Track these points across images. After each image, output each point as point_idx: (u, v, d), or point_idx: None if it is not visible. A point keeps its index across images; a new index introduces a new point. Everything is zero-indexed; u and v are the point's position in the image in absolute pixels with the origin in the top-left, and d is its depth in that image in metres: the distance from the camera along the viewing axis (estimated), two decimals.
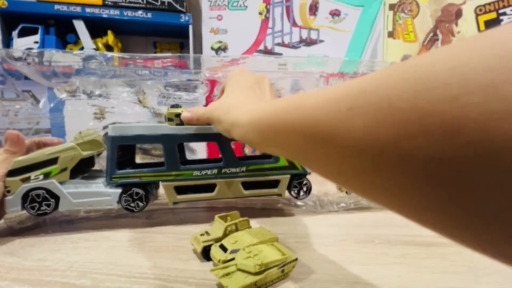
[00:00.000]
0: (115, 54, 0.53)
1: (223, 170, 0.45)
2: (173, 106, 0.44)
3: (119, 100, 0.58)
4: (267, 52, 0.98)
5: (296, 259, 0.30)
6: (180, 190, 0.44)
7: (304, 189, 0.49)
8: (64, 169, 0.40)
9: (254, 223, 0.38)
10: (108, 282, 0.30)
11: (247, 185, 0.46)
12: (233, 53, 0.97)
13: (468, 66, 0.10)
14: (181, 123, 0.43)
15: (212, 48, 0.99)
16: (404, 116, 0.11)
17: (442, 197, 0.11)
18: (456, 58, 0.10)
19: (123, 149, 0.45)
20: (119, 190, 0.42)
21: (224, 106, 0.34)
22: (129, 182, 0.42)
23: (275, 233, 0.35)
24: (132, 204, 0.42)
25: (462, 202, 0.10)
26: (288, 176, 0.47)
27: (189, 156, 0.63)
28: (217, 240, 0.34)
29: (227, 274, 0.27)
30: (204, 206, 0.52)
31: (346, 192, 0.52)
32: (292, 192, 0.49)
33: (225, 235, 0.35)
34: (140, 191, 0.42)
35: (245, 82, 0.36)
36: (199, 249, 0.34)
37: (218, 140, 0.44)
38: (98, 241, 0.39)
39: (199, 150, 0.67)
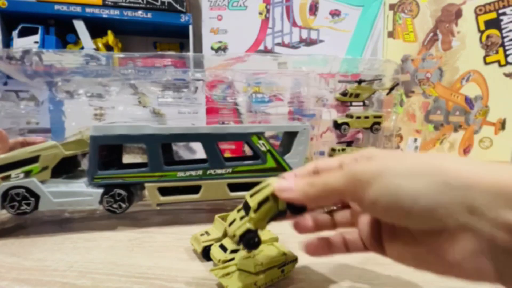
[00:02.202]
0: (114, 53, 0.53)
1: (208, 171, 0.44)
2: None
3: (119, 100, 0.58)
4: (267, 52, 0.98)
5: (296, 259, 0.30)
6: (164, 191, 0.43)
7: None
8: (45, 168, 0.39)
9: None
10: (108, 282, 0.30)
11: (233, 187, 0.45)
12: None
13: None
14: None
15: (212, 48, 0.99)
16: None
17: None
18: None
19: (108, 149, 0.44)
20: (100, 190, 0.41)
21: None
22: (111, 183, 0.41)
23: (276, 233, 0.35)
24: (115, 205, 0.41)
25: None
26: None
27: (188, 156, 0.63)
28: (217, 240, 0.34)
29: (227, 274, 0.27)
30: (204, 207, 0.52)
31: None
32: None
33: (225, 235, 0.35)
34: (123, 192, 0.41)
35: None
36: (199, 249, 0.34)
37: (203, 140, 0.43)
38: (98, 241, 0.39)
39: (199, 150, 0.67)
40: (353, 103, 0.52)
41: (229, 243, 0.32)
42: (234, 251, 0.31)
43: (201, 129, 0.43)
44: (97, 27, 1.01)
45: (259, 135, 0.45)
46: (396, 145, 0.96)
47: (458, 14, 0.90)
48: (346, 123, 0.50)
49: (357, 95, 0.49)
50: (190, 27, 1.01)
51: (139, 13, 0.98)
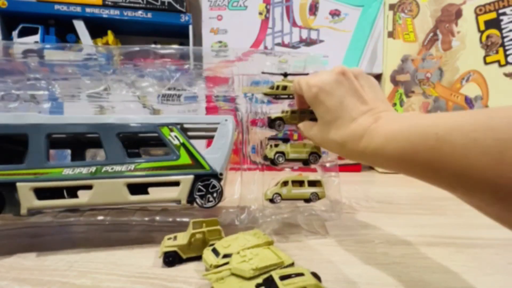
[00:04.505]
0: (112, 47, 0.52)
1: (104, 168, 0.36)
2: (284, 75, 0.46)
3: (119, 99, 0.57)
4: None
5: (292, 263, 0.29)
6: (45, 193, 0.36)
7: (214, 194, 0.39)
8: None
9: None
10: (108, 282, 0.30)
11: (136, 188, 0.38)
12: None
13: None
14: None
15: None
16: None
17: None
18: None
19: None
20: None
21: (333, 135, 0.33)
22: None
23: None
24: None
25: None
26: (191, 177, 0.39)
27: None
28: (180, 247, 0.33)
29: (221, 278, 0.27)
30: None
31: (271, 201, 0.44)
32: (197, 198, 0.39)
33: (190, 243, 0.33)
34: None
35: (349, 92, 0.33)
36: (159, 253, 0.33)
37: (101, 131, 0.38)
38: (98, 241, 0.39)
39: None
40: (281, 96, 0.48)
41: (221, 247, 0.31)
42: (226, 255, 0.30)
43: (98, 119, 0.38)
44: (97, 27, 1.01)
45: (171, 126, 0.39)
46: None
47: (458, 14, 0.90)
48: (281, 119, 0.46)
49: (284, 88, 0.47)
50: (190, 27, 1.01)
51: (139, 13, 0.98)
